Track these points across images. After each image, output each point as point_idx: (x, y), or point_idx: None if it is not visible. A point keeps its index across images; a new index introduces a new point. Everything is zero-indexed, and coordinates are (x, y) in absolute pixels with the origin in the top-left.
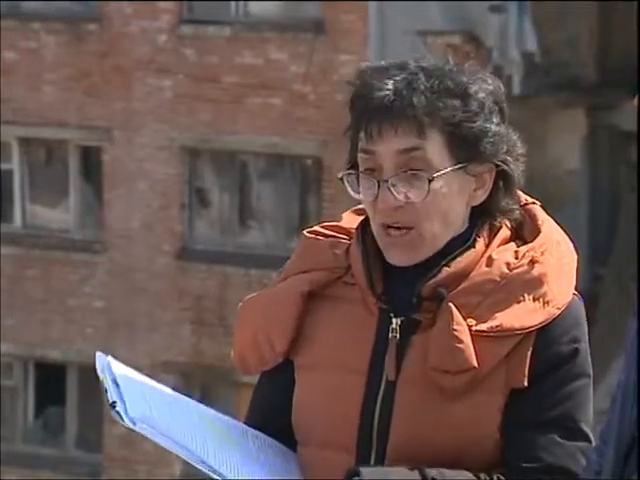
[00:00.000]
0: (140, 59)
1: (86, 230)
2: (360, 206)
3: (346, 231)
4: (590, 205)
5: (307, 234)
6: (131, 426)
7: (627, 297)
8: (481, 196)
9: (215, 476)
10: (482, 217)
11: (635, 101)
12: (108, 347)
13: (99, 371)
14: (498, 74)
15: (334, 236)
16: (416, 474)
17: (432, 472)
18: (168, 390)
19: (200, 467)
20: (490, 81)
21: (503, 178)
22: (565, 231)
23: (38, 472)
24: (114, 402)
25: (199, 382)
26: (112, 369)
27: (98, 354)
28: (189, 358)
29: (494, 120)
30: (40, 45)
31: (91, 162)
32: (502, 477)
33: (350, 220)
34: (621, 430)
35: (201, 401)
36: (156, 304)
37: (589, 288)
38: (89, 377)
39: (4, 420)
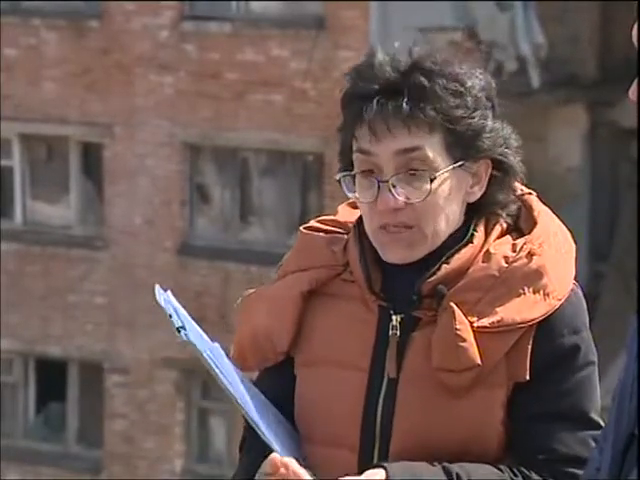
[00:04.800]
0: (141, 55)
1: (87, 226)
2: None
3: (343, 225)
4: (591, 202)
5: (304, 230)
6: (198, 349)
7: (628, 294)
8: (477, 192)
9: (252, 424)
10: (478, 212)
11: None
12: (109, 343)
13: (158, 298)
14: (499, 71)
15: (331, 231)
16: (439, 470)
17: (454, 468)
18: (209, 340)
19: (243, 409)
20: (481, 76)
21: (501, 172)
22: (565, 226)
23: (39, 468)
24: (182, 327)
25: (200, 378)
26: (172, 301)
27: (157, 287)
28: (190, 354)
29: (489, 115)
30: (41, 41)
31: (92, 158)
32: (523, 469)
33: (346, 213)
34: (619, 426)
35: (203, 398)
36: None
37: (590, 285)
38: (90, 373)
39: (5, 416)
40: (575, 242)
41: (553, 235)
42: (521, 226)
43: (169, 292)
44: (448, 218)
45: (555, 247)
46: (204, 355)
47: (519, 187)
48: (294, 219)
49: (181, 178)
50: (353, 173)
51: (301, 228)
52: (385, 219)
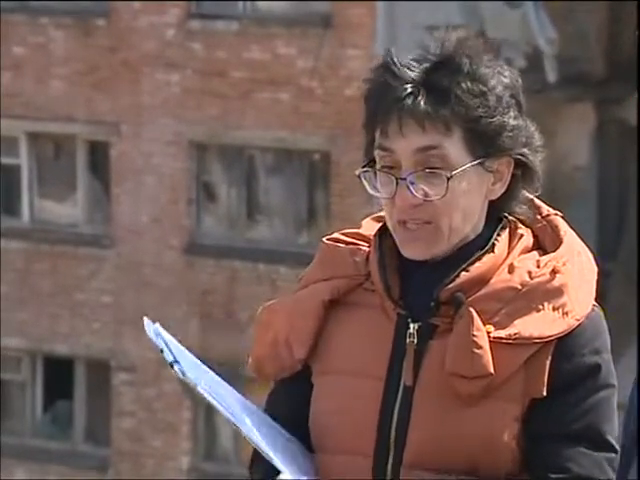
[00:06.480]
0: (148, 54)
1: (94, 225)
2: (380, 213)
3: (366, 238)
4: (599, 200)
5: (327, 241)
6: (193, 384)
7: (635, 293)
8: (499, 190)
9: (257, 447)
10: (500, 217)
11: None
12: (116, 341)
13: (148, 332)
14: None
15: (354, 243)
16: None
17: None
18: (205, 367)
19: (248, 435)
20: (507, 74)
21: (522, 170)
22: (573, 227)
23: (46, 466)
24: (175, 361)
25: None
26: (163, 335)
27: (146, 320)
28: (197, 353)
29: (512, 114)
30: (49, 40)
31: (99, 157)
32: None
33: (369, 227)
34: (624, 434)
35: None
36: (164, 299)
37: (598, 284)
38: (97, 371)
39: (12, 414)
40: (583, 240)
41: (577, 255)
42: (546, 245)
43: (158, 324)
44: (466, 215)
45: (578, 267)
46: (199, 388)
47: (545, 207)
48: (301, 217)
49: (188, 176)
50: (370, 170)
51: (323, 239)
52: (403, 214)
